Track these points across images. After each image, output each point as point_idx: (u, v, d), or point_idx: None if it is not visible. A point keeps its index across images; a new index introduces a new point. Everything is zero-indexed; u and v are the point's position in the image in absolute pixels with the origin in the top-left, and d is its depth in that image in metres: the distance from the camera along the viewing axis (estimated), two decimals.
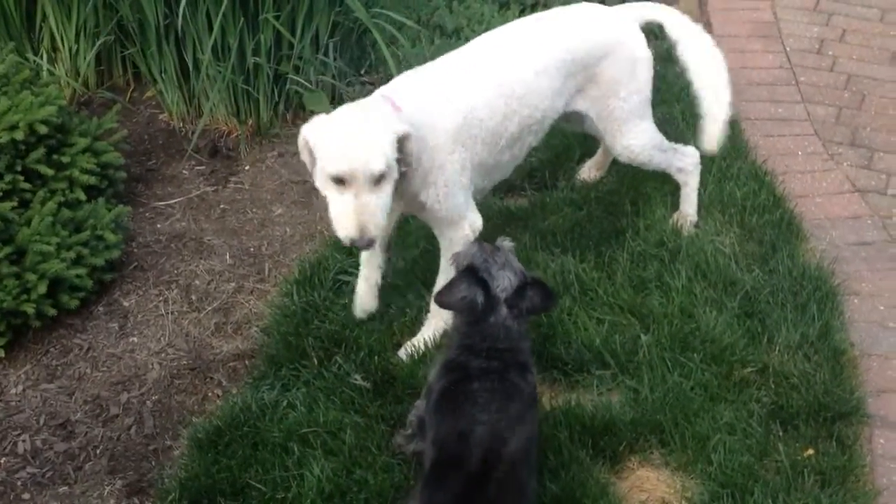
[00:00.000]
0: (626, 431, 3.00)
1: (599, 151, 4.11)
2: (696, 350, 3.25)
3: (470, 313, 2.78)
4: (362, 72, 4.93)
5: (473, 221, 3.25)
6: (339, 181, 2.80)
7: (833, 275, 3.61)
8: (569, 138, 4.35)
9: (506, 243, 2.92)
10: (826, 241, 3.85)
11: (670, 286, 3.49)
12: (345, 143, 2.79)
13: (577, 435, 2.99)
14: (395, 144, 2.83)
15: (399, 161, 2.86)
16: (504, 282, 2.79)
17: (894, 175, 4.28)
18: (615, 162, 4.14)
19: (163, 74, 4.54)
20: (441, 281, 3.23)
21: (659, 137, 3.68)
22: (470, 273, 2.80)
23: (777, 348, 3.29)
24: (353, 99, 4.69)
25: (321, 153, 2.83)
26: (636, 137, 3.60)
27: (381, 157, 2.78)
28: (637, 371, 3.21)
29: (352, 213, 2.79)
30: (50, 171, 3.68)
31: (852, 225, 3.98)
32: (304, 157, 2.95)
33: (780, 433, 2.99)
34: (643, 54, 3.53)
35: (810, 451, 2.92)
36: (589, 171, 4.14)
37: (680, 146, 3.77)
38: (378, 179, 2.79)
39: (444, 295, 2.81)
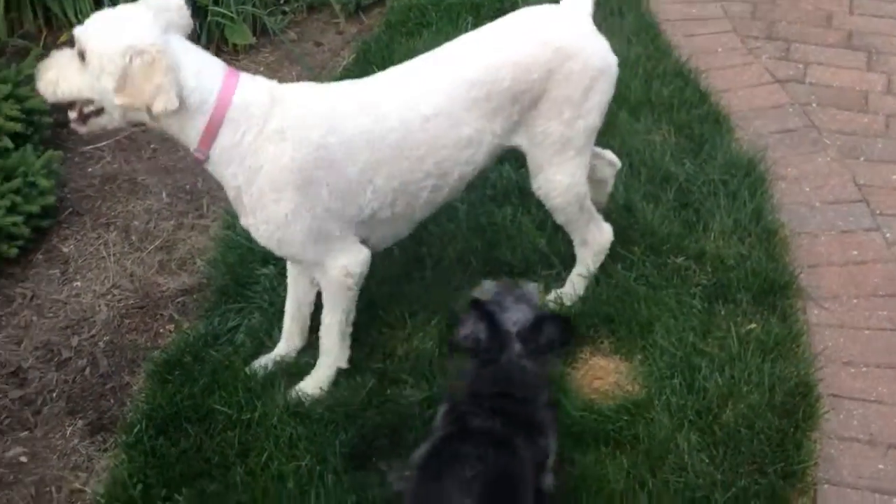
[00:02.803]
0: (577, 325, 3.09)
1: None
2: (637, 243, 3.34)
3: (477, 353, 2.43)
4: (282, 1, 4.87)
5: (345, 266, 2.76)
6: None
7: (761, 161, 3.73)
8: None
9: (530, 285, 2.68)
10: (751, 131, 3.98)
11: None
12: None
13: None
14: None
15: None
16: (517, 315, 2.47)
17: (811, 64, 4.41)
18: None
19: (78, 16, 4.42)
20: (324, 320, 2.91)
21: (586, 187, 3.00)
22: (476, 307, 2.45)
23: (712, 234, 3.41)
24: (276, 29, 4.70)
25: None
26: (566, 172, 2.90)
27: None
28: None
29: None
30: None
31: (775, 114, 4.10)
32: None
33: (722, 311, 3.11)
34: (606, 63, 2.83)
35: (752, 325, 3.06)
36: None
37: (599, 217, 3.15)
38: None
39: (454, 336, 2.48)
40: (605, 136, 3.78)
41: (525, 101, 2.75)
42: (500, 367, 2.41)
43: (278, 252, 2.78)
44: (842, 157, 3.86)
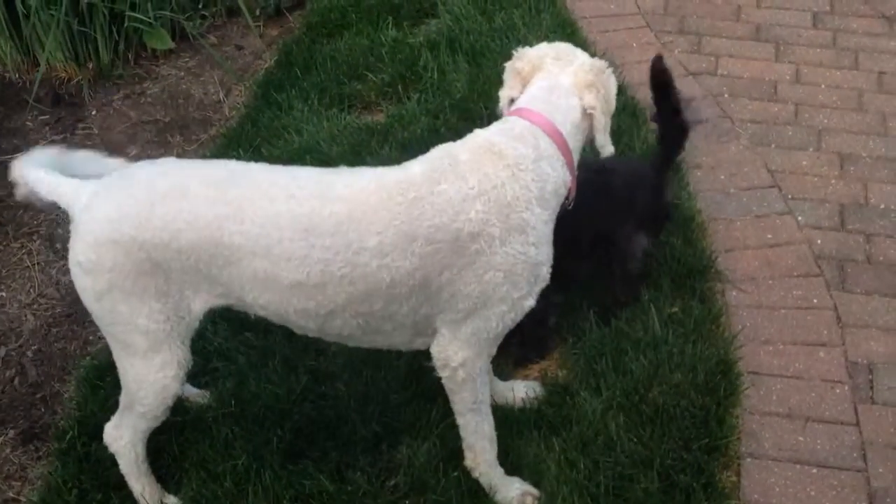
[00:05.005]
0: None
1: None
2: None
3: None
4: (200, 5, 4.85)
5: None
6: None
7: None
8: (416, 50, 4.44)
9: None
10: None
11: None
12: None
13: None
14: None
15: None
16: None
17: (722, 57, 4.56)
18: (462, 70, 4.26)
19: None
20: None
21: None
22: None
23: None
24: (195, 34, 4.68)
25: None
26: None
27: None
28: None
29: None
30: None
31: (688, 105, 4.23)
32: None
33: (646, 296, 3.20)
34: None
35: (674, 309, 3.16)
36: None
37: None
38: None
39: None
40: None
41: None
42: None
43: None
44: (754, 144, 4.01)
